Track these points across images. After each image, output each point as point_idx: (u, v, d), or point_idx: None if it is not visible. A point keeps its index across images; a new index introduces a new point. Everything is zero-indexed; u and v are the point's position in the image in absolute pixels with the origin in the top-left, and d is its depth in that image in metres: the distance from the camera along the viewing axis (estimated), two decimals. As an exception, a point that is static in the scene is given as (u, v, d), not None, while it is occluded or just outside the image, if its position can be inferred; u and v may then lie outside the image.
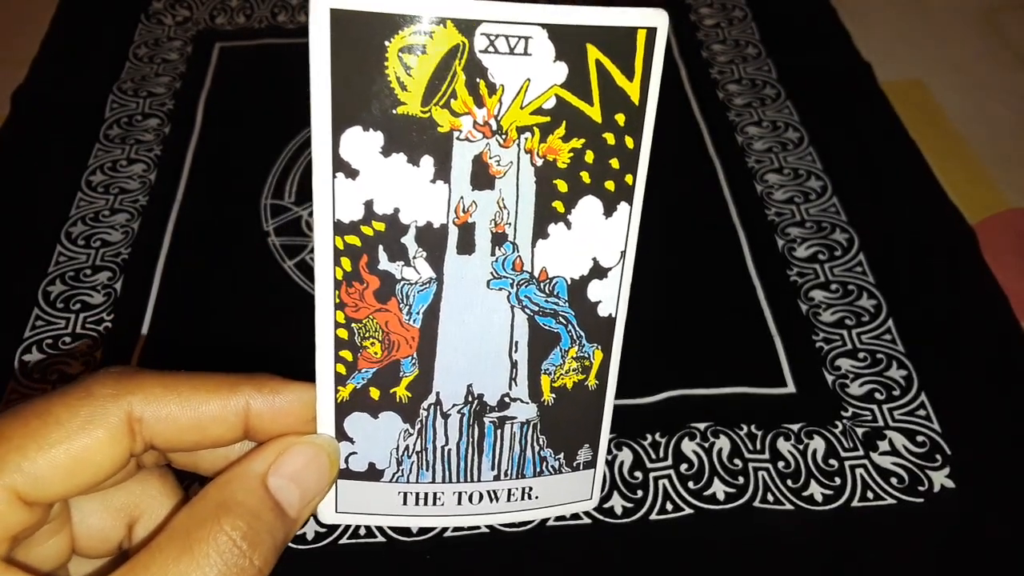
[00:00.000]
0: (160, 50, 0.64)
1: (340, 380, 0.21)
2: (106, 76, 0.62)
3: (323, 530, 0.38)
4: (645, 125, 0.21)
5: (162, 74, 0.62)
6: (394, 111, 0.19)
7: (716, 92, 0.60)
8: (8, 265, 0.50)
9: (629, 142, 0.21)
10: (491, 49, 0.19)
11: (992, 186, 0.54)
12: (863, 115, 0.58)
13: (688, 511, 0.38)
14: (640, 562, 0.37)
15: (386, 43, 0.18)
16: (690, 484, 0.39)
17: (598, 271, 0.22)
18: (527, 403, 0.23)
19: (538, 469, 0.24)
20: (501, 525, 0.38)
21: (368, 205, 0.20)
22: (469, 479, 0.23)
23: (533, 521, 0.38)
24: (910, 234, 0.50)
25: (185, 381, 0.20)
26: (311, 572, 0.37)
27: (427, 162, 0.20)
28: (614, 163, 0.21)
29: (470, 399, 0.22)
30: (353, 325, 0.21)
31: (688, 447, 0.40)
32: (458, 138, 0.20)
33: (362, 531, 0.38)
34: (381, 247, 0.20)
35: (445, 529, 0.38)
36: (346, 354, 0.21)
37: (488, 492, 0.23)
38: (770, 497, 0.39)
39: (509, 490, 0.24)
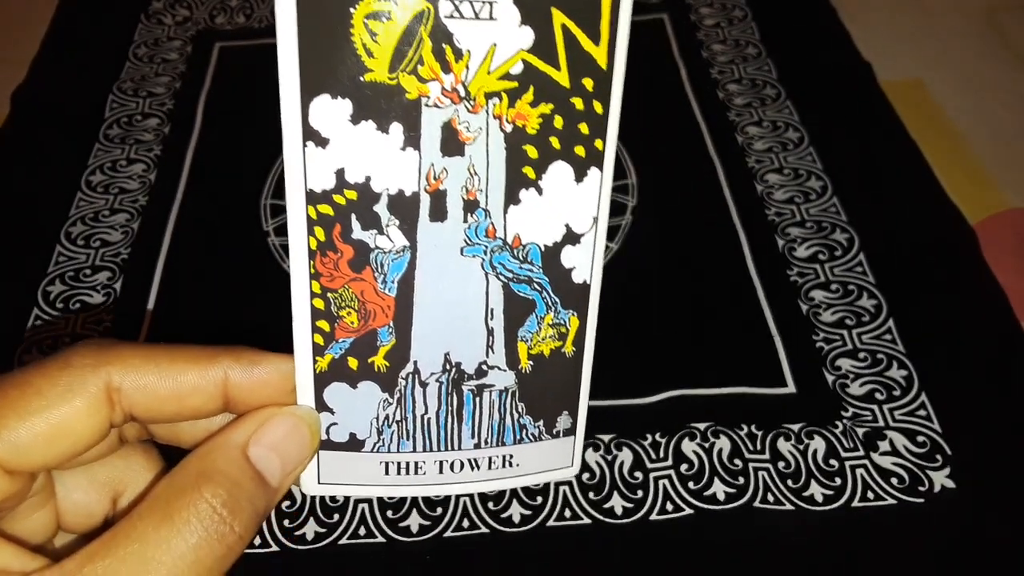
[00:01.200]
0: (160, 50, 0.64)
1: (318, 350, 0.21)
2: (106, 76, 0.62)
3: (323, 530, 0.38)
4: (613, 90, 0.20)
5: (162, 74, 0.62)
6: (361, 78, 0.19)
7: (716, 92, 0.60)
8: (8, 265, 0.50)
9: (598, 107, 0.21)
10: (456, 14, 0.19)
11: (992, 186, 0.54)
12: (863, 115, 0.58)
13: (688, 511, 0.38)
14: (640, 562, 0.37)
15: (351, 10, 0.18)
16: (690, 484, 0.39)
17: (571, 237, 0.22)
18: (505, 370, 0.23)
19: (518, 437, 0.24)
20: (499, 525, 0.38)
21: (339, 174, 0.20)
22: (450, 447, 0.23)
23: (533, 520, 0.38)
24: (910, 234, 0.50)
25: (164, 352, 0.20)
26: (311, 572, 0.37)
27: (396, 129, 0.20)
28: (583, 128, 0.21)
29: (448, 367, 0.22)
30: (329, 295, 0.21)
31: (688, 447, 0.40)
32: (426, 104, 0.20)
33: (362, 531, 0.38)
34: (354, 216, 0.20)
35: (445, 529, 0.38)
36: (323, 324, 0.21)
37: (469, 460, 0.23)
38: (770, 497, 0.39)
39: (490, 458, 0.24)
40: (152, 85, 0.61)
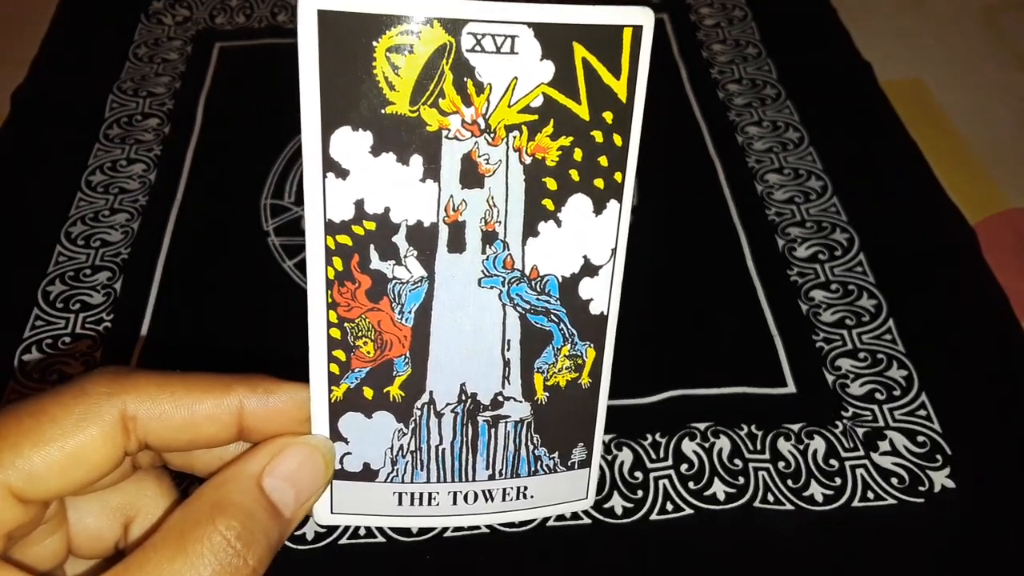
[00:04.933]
0: (160, 50, 0.64)
1: (334, 380, 0.21)
2: (106, 76, 0.62)
3: (323, 530, 0.38)
4: (633, 123, 0.21)
5: (162, 74, 0.62)
6: (383, 111, 0.19)
7: (716, 92, 0.60)
8: (8, 265, 0.49)
9: (617, 140, 0.21)
10: (478, 48, 0.19)
11: (992, 186, 0.54)
12: (863, 115, 0.58)
13: (688, 511, 0.38)
14: (640, 562, 0.37)
15: (374, 43, 0.18)
16: (690, 484, 0.39)
17: (589, 269, 0.22)
18: (520, 402, 0.23)
19: (533, 468, 0.23)
20: (500, 525, 0.38)
21: (359, 204, 0.20)
22: (464, 479, 0.23)
23: (533, 521, 0.38)
24: (910, 234, 0.50)
25: (179, 381, 0.20)
26: (311, 572, 0.37)
27: (416, 161, 0.20)
28: (603, 161, 0.21)
29: (463, 398, 0.22)
30: (346, 324, 0.21)
31: (688, 447, 0.40)
32: (447, 137, 0.20)
33: (362, 531, 0.38)
34: (372, 246, 0.20)
35: (445, 529, 0.38)
36: (339, 354, 0.21)
37: (483, 492, 0.23)
38: (770, 497, 0.39)
39: (504, 490, 0.23)
40: (152, 85, 0.61)
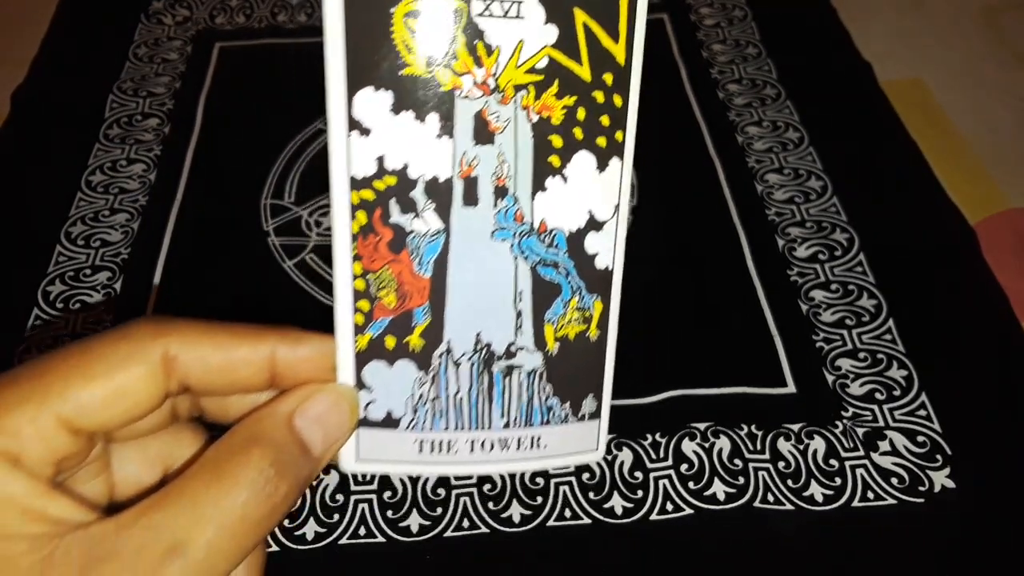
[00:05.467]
0: (160, 50, 0.64)
1: (358, 330, 0.22)
2: (106, 76, 0.62)
3: (323, 530, 0.38)
4: (631, 84, 0.22)
5: (162, 74, 0.62)
6: (401, 72, 0.20)
7: (716, 92, 0.60)
8: (8, 264, 0.50)
9: (617, 100, 0.22)
10: (487, 13, 0.20)
11: (992, 186, 0.54)
12: (863, 115, 0.58)
13: (688, 511, 0.38)
14: (640, 562, 0.37)
15: (392, 9, 0.20)
16: (690, 484, 0.39)
17: (594, 224, 0.23)
18: (532, 352, 0.23)
19: (545, 418, 0.24)
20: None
21: (380, 161, 0.21)
22: (480, 427, 0.24)
23: (535, 522, 0.38)
24: (910, 234, 0.50)
25: (218, 327, 0.21)
26: (311, 572, 0.37)
27: (432, 119, 0.21)
28: (604, 120, 0.22)
29: (479, 347, 0.23)
30: (369, 276, 0.22)
31: (688, 447, 0.40)
32: (459, 96, 0.21)
33: (362, 531, 0.38)
34: (393, 200, 0.21)
35: (445, 529, 0.38)
36: (363, 304, 0.22)
37: (499, 440, 0.24)
38: (770, 497, 0.39)
39: (519, 439, 0.24)
40: (152, 85, 0.61)
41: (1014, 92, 0.60)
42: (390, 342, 0.23)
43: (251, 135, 0.57)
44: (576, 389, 0.24)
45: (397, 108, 0.21)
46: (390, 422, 0.23)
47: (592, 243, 0.23)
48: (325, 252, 0.50)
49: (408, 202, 0.22)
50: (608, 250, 0.23)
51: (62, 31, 0.66)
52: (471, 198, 0.22)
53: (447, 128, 0.21)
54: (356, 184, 0.21)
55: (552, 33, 0.21)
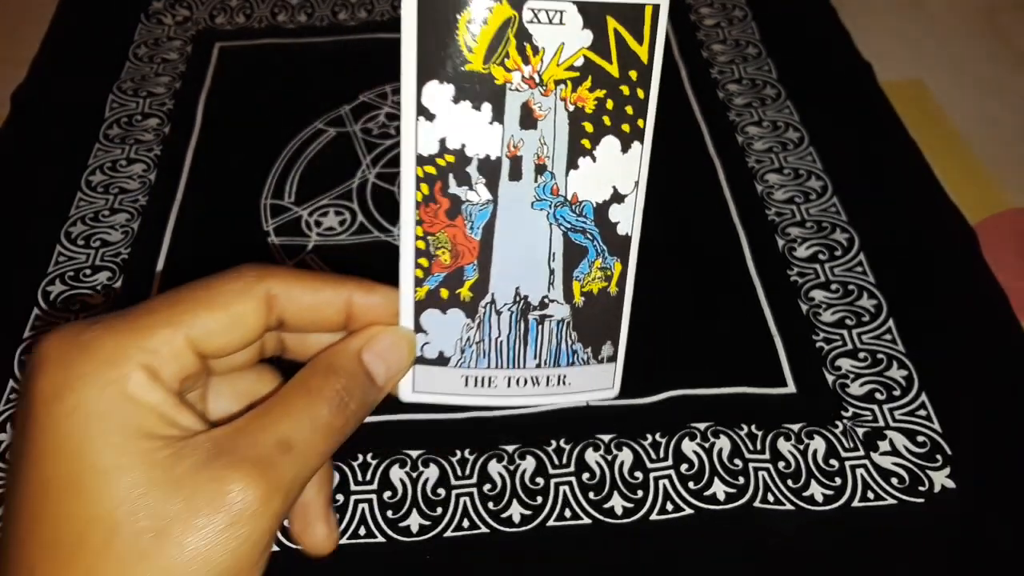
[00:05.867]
0: (160, 50, 0.64)
1: (418, 282, 0.27)
2: (106, 76, 0.62)
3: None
4: (652, 80, 0.26)
5: (162, 74, 0.62)
6: (462, 68, 0.24)
7: (716, 92, 0.60)
8: (8, 265, 0.50)
9: (640, 93, 0.26)
10: (535, 20, 0.24)
11: (992, 186, 0.54)
12: (863, 115, 0.58)
13: (688, 511, 0.38)
14: (640, 562, 0.37)
15: (457, 16, 0.24)
16: (690, 484, 0.39)
17: (617, 197, 0.27)
18: (562, 304, 0.28)
19: (570, 360, 0.29)
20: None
21: (442, 142, 0.25)
22: (516, 366, 0.28)
23: (531, 524, 0.38)
24: (910, 234, 0.50)
25: (308, 274, 0.25)
26: (311, 572, 0.37)
27: (486, 108, 0.25)
28: (629, 110, 0.26)
29: (518, 299, 0.27)
30: (428, 237, 0.26)
31: (688, 447, 0.40)
32: (510, 89, 0.25)
33: (362, 531, 0.38)
34: (451, 175, 0.25)
35: (445, 529, 0.38)
36: (423, 261, 0.26)
37: (531, 378, 0.28)
38: (770, 497, 0.39)
39: (547, 377, 0.29)
40: (152, 85, 0.61)
41: (1015, 92, 0.60)
42: (444, 293, 0.27)
43: (251, 135, 0.57)
44: (597, 336, 0.29)
45: (457, 99, 0.25)
46: (441, 360, 0.28)
47: (615, 213, 0.27)
48: (325, 252, 0.50)
49: (464, 176, 0.26)
50: (628, 219, 0.27)
51: (62, 31, 0.66)
52: (516, 174, 0.26)
53: (498, 115, 0.25)
54: (421, 160, 0.25)
55: (588, 37, 0.25)
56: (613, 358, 0.29)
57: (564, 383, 0.29)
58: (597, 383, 0.29)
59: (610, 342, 0.29)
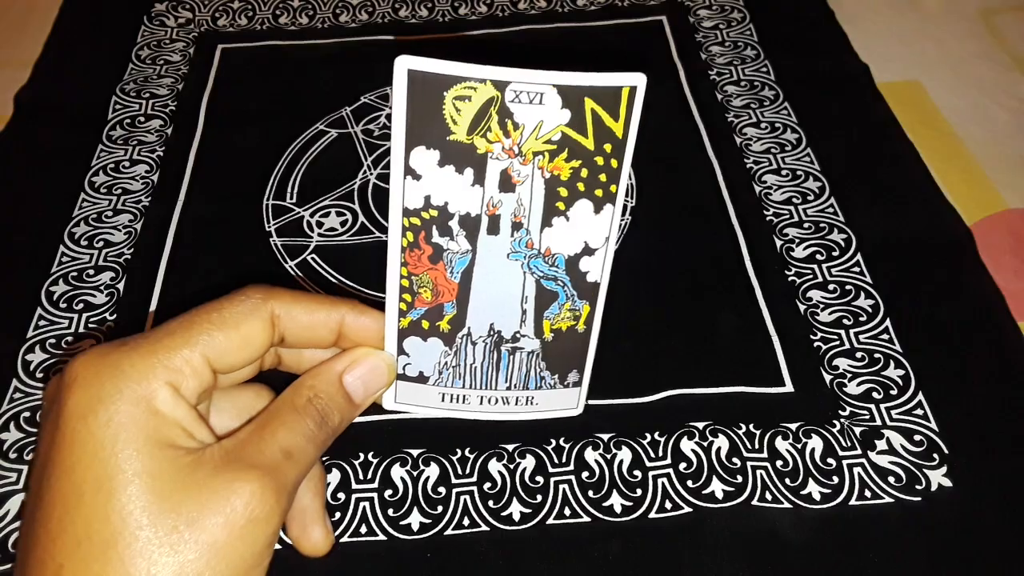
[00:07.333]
0: (162, 51, 0.65)
1: (402, 313, 0.29)
2: (109, 77, 0.62)
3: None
4: (626, 151, 0.28)
5: (164, 75, 0.62)
6: (447, 138, 0.26)
7: (715, 93, 0.60)
8: (11, 265, 0.50)
9: (614, 163, 0.28)
10: (516, 100, 0.26)
11: (990, 187, 0.54)
12: (861, 116, 0.58)
13: (687, 509, 0.39)
14: (639, 561, 0.37)
15: (444, 93, 0.26)
16: (689, 483, 0.39)
17: (588, 250, 0.29)
18: (532, 339, 0.31)
19: (538, 384, 0.32)
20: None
21: (427, 198, 0.27)
22: (488, 387, 0.31)
23: (530, 522, 0.38)
24: (908, 235, 0.50)
25: (306, 295, 0.28)
26: (311, 571, 0.37)
27: (469, 172, 0.27)
28: (602, 177, 0.28)
29: (492, 333, 0.30)
30: (412, 277, 0.29)
31: (687, 446, 0.41)
32: (491, 158, 0.27)
33: (363, 529, 0.38)
34: (434, 227, 0.28)
35: (446, 527, 0.38)
36: (407, 296, 0.29)
37: (502, 398, 0.32)
38: (768, 496, 0.39)
39: (517, 397, 0.32)
40: (155, 86, 0.61)
41: (1012, 94, 0.60)
42: (425, 324, 0.30)
43: (253, 136, 0.58)
44: (564, 365, 0.32)
45: (442, 163, 0.27)
46: (421, 379, 0.31)
47: (585, 264, 0.29)
48: (326, 253, 0.51)
49: (446, 229, 0.28)
50: (598, 269, 0.30)
51: (65, 33, 0.66)
52: (494, 229, 0.28)
53: (479, 179, 0.27)
54: (407, 212, 0.28)
55: (566, 115, 0.27)
56: (579, 383, 0.32)
57: (532, 403, 0.32)
58: (562, 404, 0.32)
59: (576, 370, 0.32)
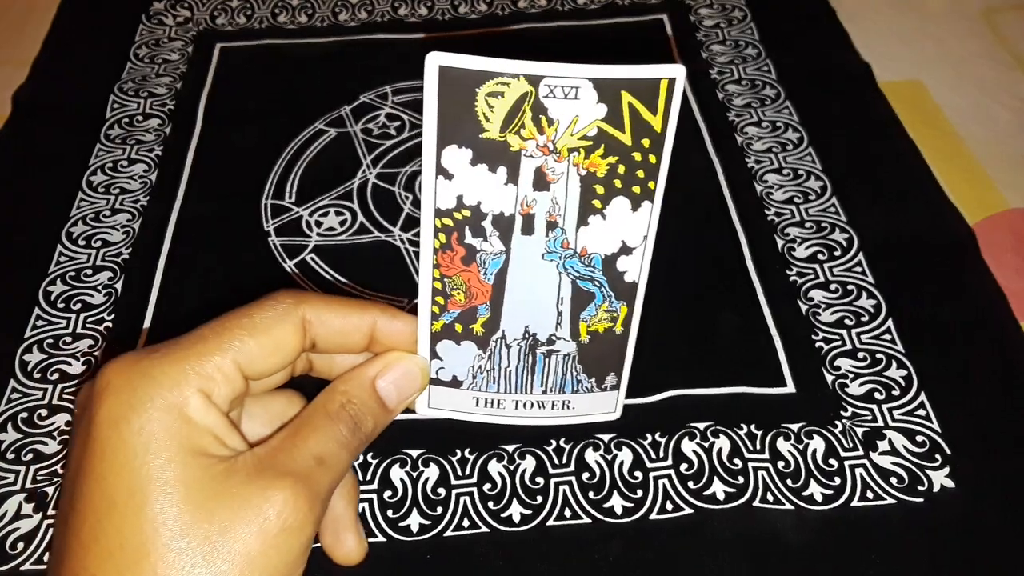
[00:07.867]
0: (161, 50, 0.64)
1: (435, 317, 0.29)
2: (107, 76, 0.62)
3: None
4: (665, 146, 0.26)
5: (163, 74, 0.62)
6: (480, 136, 0.26)
7: (716, 92, 0.60)
8: (9, 265, 0.50)
9: (652, 158, 0.27)
10: (550, 95, 0.25)
11: (991, 186, 0.54)
12: (863, 116, 0.58)
13: (688, 511, 0.38)
14: (640, 562, 0.37)
15: (476, 90, 0.25)
16: (690, 484, 0.39)
17: (625, 250, 0.29)
18: (568, 341, 0.30)
19: (575, 388, 0.31)
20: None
21: (459, 198, 0.27)
22: (523, 392, 0.30)
23: (531, 523, 0.38)
24: (910, 234, 0.50)
25: (338, 299, 0.28)
26: (311, 571, 0.37)
27: (502, 171, 0.26)
28: (640, 173, 0.27)
29: (527, 336, 0.30)
30: (445, 279, 0.28)
31: (688, 447, 0.41)
32: (525, 155, 0.26)
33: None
34: (467, 227, 0.27)
35: (445, 529, 0.38)
36: (439, 299, 0.29)
37: (537, 402, 0.31)
38: (770, 497, 0.39)
39: (552, 401, 0.31)
40: (153, 85, 0.61)
41: (1013, 93, 0.60)
42: (459, 327, 0.29)
43: (252, 135, 0.57)
44: (601, 368, 0.31)
45: (475, 162, 0.26)
46: (455, 383, 0.30)
47: (623, 263, 0.29)
48: (325, 252, 0.50)
49: (479, 229, 0.27)
50: (636, 268, 0.29)
51: (63, 32, 0.66)
52: (528, 229, 0.28)
53: (513, 178, 0.26)
54: (439, 213, 0.27)
55: (601, 110, 0.25)
56: (616, 386, 0.31)
57: (568, 407, 0.31)
58: (600, 408, 0.32)
59: (614, 373, 0.31)
